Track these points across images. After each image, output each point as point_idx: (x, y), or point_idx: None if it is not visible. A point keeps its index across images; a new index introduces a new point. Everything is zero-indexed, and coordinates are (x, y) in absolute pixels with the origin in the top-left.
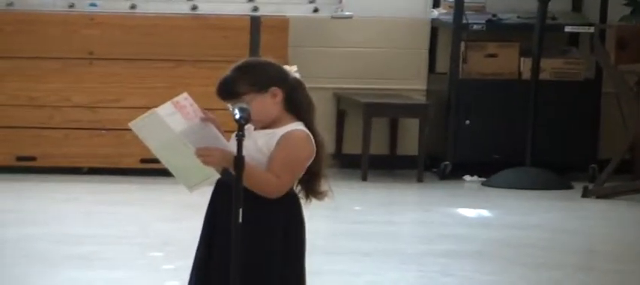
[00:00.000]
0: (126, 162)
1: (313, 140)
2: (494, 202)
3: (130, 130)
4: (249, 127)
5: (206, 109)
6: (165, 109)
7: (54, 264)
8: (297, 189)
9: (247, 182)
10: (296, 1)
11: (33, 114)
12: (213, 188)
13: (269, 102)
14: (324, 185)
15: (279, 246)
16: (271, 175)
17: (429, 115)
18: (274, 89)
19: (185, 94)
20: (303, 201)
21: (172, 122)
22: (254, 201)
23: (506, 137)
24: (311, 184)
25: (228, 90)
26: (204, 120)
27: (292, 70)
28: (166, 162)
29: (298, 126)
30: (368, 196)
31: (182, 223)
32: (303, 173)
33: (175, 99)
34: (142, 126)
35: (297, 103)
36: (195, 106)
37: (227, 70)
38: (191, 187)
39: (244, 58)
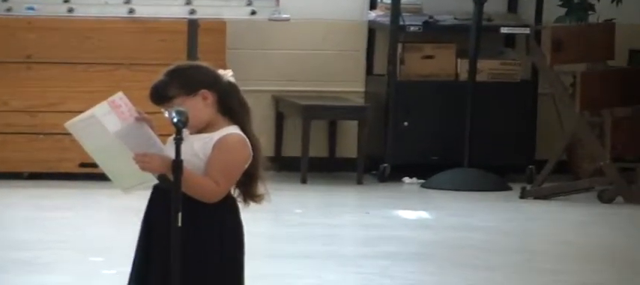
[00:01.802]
0: (65, 166)
1: (249, 143)
2: (433, 203)
3: (69, 134)
4: (185, 131)
5: (145, 112)
6: (101, 109)
7: None
8: (235, 193)
9: (185, 188)
10: (233, 4)
11: None
12: (150, 194)
13: (200, 105)
14: (261, 188)
15: (217, 250)
16: (210, 180)
17: (368, 117)
18: (204, 92)
19: (120, 94)
20: (241, 205)
21: (108, 123)
22: (191, 205)
23: (444, 138)
24: (248, 187)
25: (159, 94)
26: (138, 119)
27: (227, 74)
28: (101, 163)
29: (233, 130)
30: (308, 199)
31: (123, 228)
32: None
33: (111, 98)
34: (78, 128)
35: (231, 107)
36: (130, 105)
37: (159, 75)
38: (126, 189)
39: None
